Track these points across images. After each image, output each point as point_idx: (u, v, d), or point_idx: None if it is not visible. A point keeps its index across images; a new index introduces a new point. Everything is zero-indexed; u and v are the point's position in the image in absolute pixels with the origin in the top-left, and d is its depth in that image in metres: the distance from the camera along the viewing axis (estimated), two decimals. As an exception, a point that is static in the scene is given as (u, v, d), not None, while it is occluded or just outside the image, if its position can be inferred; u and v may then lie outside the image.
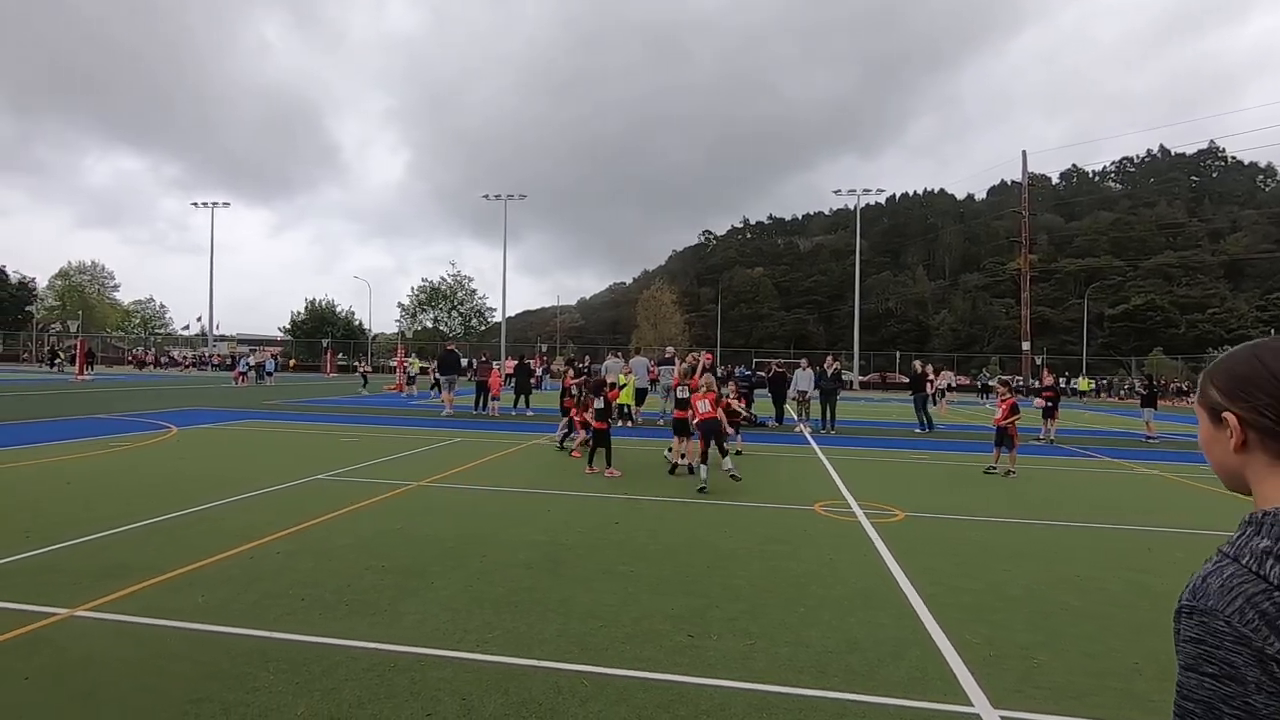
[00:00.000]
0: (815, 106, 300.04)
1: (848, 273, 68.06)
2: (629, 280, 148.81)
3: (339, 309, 72.72)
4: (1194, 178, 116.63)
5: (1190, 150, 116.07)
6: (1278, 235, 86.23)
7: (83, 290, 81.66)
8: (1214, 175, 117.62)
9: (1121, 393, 49.04)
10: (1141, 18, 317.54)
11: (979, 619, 4.48)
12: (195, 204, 65.03)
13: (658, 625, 4.21)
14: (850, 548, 6.21)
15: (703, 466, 8.73)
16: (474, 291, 74.58)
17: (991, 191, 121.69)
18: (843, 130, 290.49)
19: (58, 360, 41.72)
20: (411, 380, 30.49)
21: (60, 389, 24.87)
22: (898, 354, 65.69)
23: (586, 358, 43.26)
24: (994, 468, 10.87)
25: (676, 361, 15.68)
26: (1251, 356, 0.96)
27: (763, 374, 22.77)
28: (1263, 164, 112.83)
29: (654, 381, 17.92)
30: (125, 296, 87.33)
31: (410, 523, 6.59)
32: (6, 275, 71.15)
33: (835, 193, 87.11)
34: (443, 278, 75.01)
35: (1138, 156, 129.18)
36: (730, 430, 10.80)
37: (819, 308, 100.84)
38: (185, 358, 59.07)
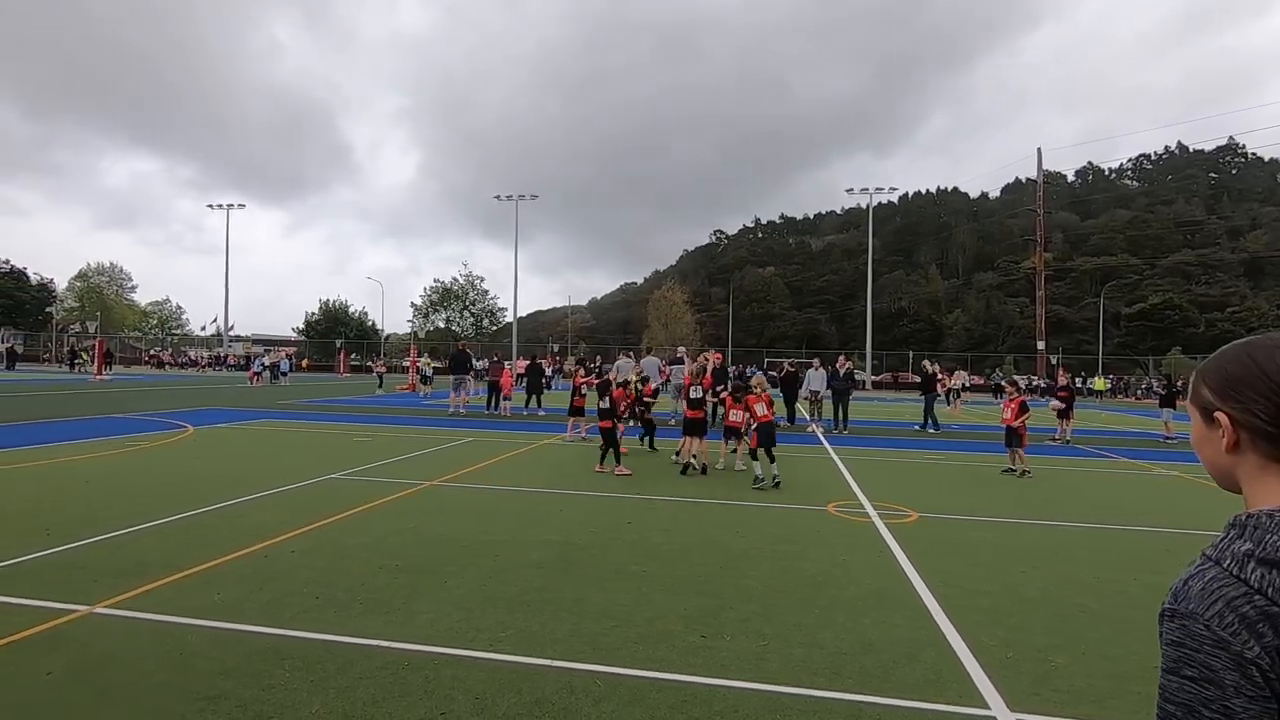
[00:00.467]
0: (827, 105, 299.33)
1: (860, 272, 67.59)
2: (640, 280, 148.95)
3: (352, 309, 73.27)
4: (1213, 174, 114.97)
5: (1209, 147, 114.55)
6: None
7: (101, 291, 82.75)
8: (1233, 172, 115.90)
9: (1138, 393, 48.45)
10: (1160, 12, 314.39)
11: (995, 621, 4.44)
12: (211, 206, 65.65)
13: (671, 625, 4.20)
14: (864, 548, 6.17)
15: (756, 465, 9.14)
16: (486, 292, 74.88)
17: (1006, 190, 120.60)
18: (855, 128, 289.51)
19: (78, 361, 42.30)
20: (426, 380, 30.66)
21: (80, 389, 25.22)
22: (910, 354, 65.22)
23: (598, 358, 43.33)
24: (1013, 468, 10.76)
25: (687, 361, 15.68)
26: (1243, 355, 0.94)
27: (774, 374, 22.69)
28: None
29: (666, 381, 17.90)
30: (142, 298, 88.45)
31: (423, 522, 6.62)
32: (27, 277, 72.23)
33: (848, 191, 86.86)
34: (455, 278, 75.37)
35: (1155, 153, 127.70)
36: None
37: (831, 307, 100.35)
38: (202, 358, 59.74)
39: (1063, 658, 3.91)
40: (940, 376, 21.67)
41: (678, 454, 10.48)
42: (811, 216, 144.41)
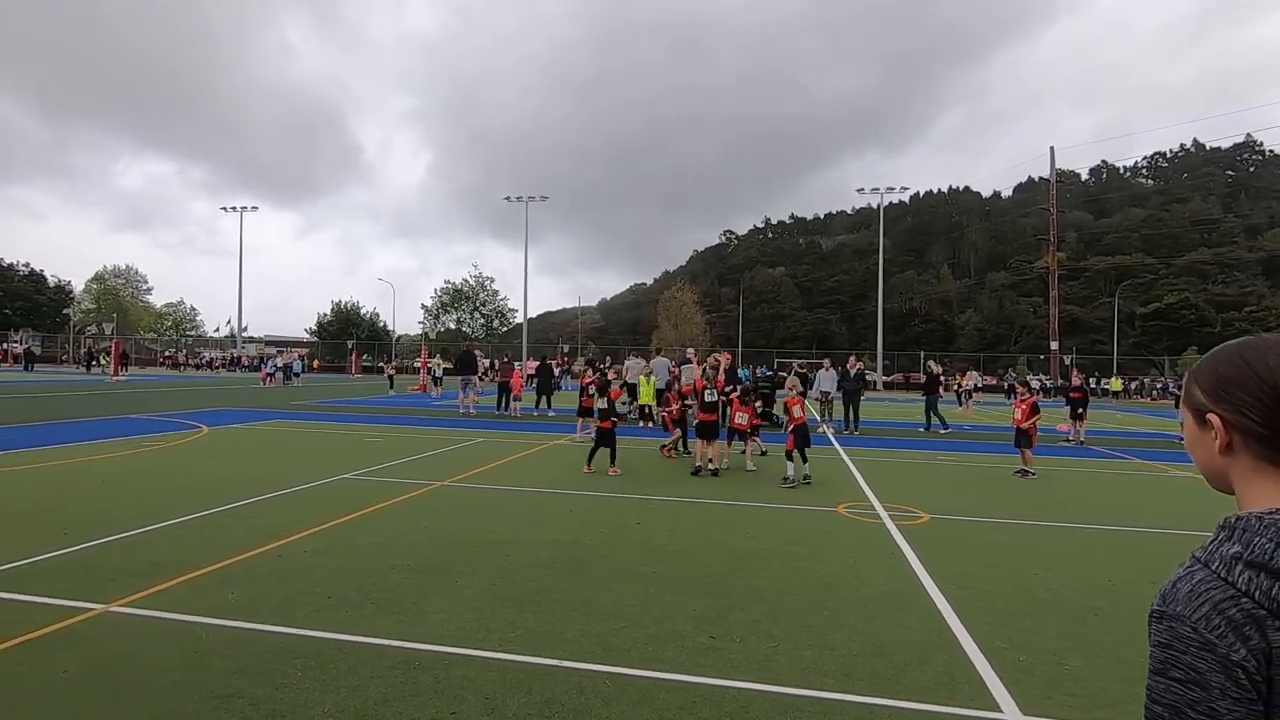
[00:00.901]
0: (838, 103, 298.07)
1: (871, 272, 67.29)
2: (650, 281, 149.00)
3: (364, 310, 73.74)
4: (1230, 172, 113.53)
5: (1226, 144, 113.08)
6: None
7: (117, 293, 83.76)
8: (1251, 169, 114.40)
9: (1153, 393, 47.93)
10: (1177, 6, 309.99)
11: (1008, 623, 4.40)
12: (225, 208, 66.22)
13: (680, 626, 4.20)
14: (875, 550, 6.14)
15: (789, 464, 9.24)
16: (496, 293, 75.10)
17: (1018, 189, 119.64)
18: (866, 127, 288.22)
19: (95, 363, 42.79)
20: (437, 381, 30.81)
21: (96, 390, 25.52)
22: (922, 354, 64.73)
23: (607, 358, 43.34)
24: (1025, 469, 10.67)
25: (695, 362, 15.64)
26: (1236, 356, 0.94)
27: (784, 374, 22.61)
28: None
29: (675, 381, 17.86)
30: (157, 299, 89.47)
31: (434, 522, 6.65)
32: (45, 279, 73.23)
33: (858, 191, 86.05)
34: (465, 279, 75.66)
35: (1170, 151, 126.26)
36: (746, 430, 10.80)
37: (841, 307, 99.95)
38: (215, 359, 60.32)
39: (1076, 660, 3.87)
40: (944, 377, 21.54)
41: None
42: (822, 216, 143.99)
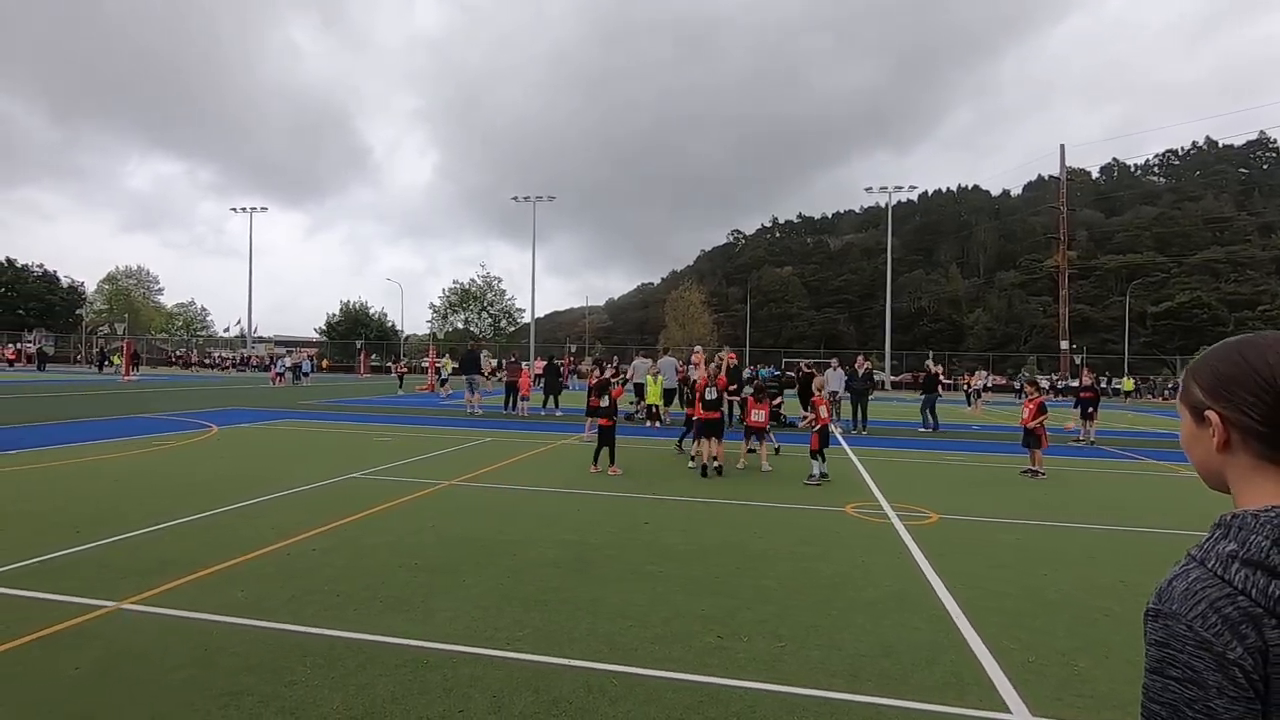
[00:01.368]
0: (846, 101, 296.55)
1: (879, 271, 67.06)
2: (657, 280, 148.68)
3: (372, 311, 74.07)
4: (1242, 170, 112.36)
5: (1239, 141, 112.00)
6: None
7: (129, 294, 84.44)
8: (1264, 167, 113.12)
9: (1165, 393, 47.52)
10: (1189, 4, 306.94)
11: (1017, 624, 4.38)
12: (234, 209, 66.53)
13: (687, 626, 4.19)
14: (883, 550, 6.12)
15: (813, 464, 9.44)
16: (503, 293, 75.30)
17: (1028, 187, 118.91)
18: (874, 125, 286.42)
19: (108, 363, 43.14)
20: (444, 382, 30.91)
21: (108, 390, 25.75)
22: (930, 354, 64.51)
23: (615, 358, 43.34)
24: (1033, 469, 10.61)
25: (698, 362, 15.61)
26: (1235, 353, 0.93)
27: (792, 374, 22.57)
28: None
29: (683, 381, 17.86)
30: (168, 299, 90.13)
31: (442, 521, 6.68)
32: (58, 280, 73.95)
33: (866, 190, 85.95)
34: (473, 279, 75.89)
35: (1182, 149, 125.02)
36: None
37: (850, 307, 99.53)
38: (225, 359, 60.74)
39: (1086, 661, 3.85)
40: (943, 377, 21.47)
41: (693, 456, 10.58)
42: (830, 215, 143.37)
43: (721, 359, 12.60)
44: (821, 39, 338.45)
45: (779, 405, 16.51)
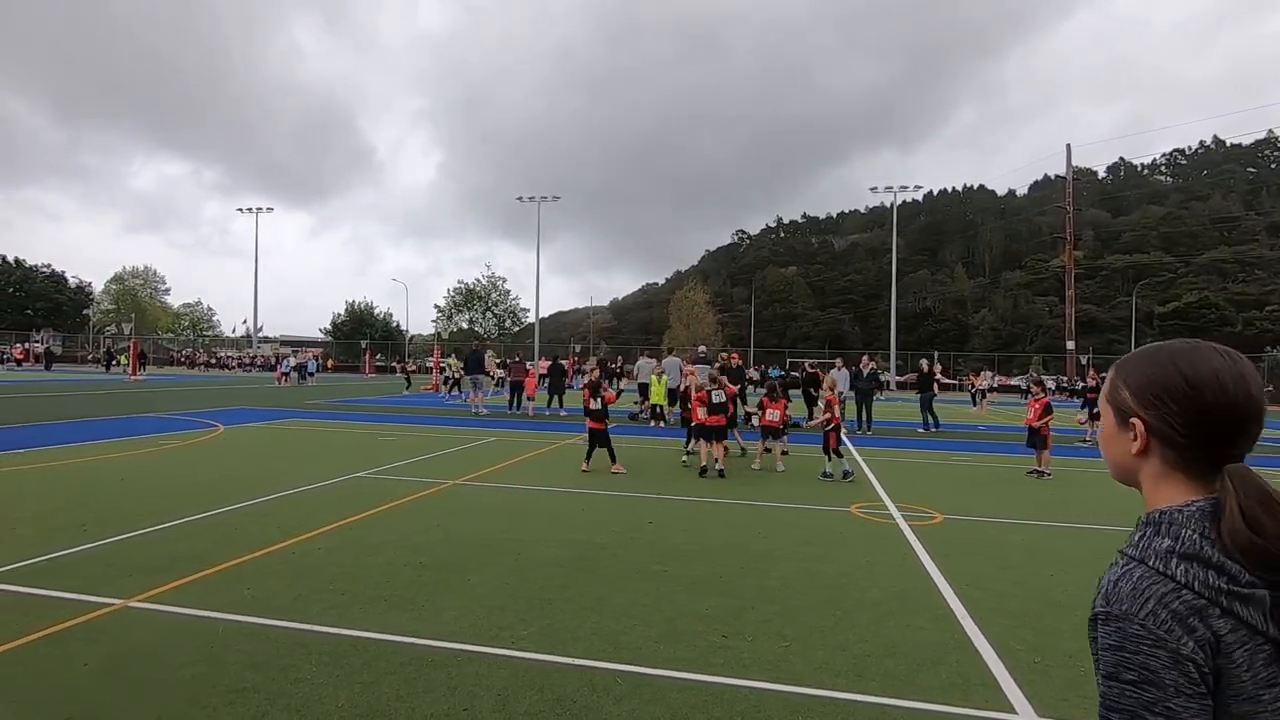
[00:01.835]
0: (851, 100, 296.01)
1: (884, 271, 66.95)
2: (661, 280, 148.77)
3: (377, 311, 74.25)
4: (1251, 169, 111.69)
5: (1247, 140, 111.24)
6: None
7: (136, 294, 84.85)
8: (1273, 166, 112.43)
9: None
10: (1197, 2, 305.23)
11: (1022, 624, 4.36)
12: (240, 210, 66.79)
13: (692, 625, 4.19)
14: (888, 550, 6.11)
15: (833, 462, 9.63)
16: (508, 293, 75.36)
17: (1033, 187, 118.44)
18: (879, 124, 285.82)
19: (115, 362, 43.33)
20: (447, 381, 30.95)
21: (115, 389, 25.88)
22: (935, 354, 64.31)
23: (619, 358, 43.33)
24: (1038, 470, 10.57)
25: (686, 360, 15.61)
26: (1169, 362, 0.94)
27: (796, 374, 22.56)
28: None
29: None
30: (174, 300, 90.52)
31: (447, 520, 6.69)
32: (65, 280, 74.36)
33: (872, 190, 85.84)
34: (477, 279, 75.99)
35: (1189, 148, 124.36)
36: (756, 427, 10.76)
37: (854, 307, 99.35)
38: (231, 359, 60.97)
39: (1092, 663, 3.83)
40: (939, 375, 21.43)
41: (688, 453, 10.77)
42: (835, 215, 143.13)
43: (725, 359, 12.57)
44: (827, 37, 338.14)
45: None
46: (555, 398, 19.98)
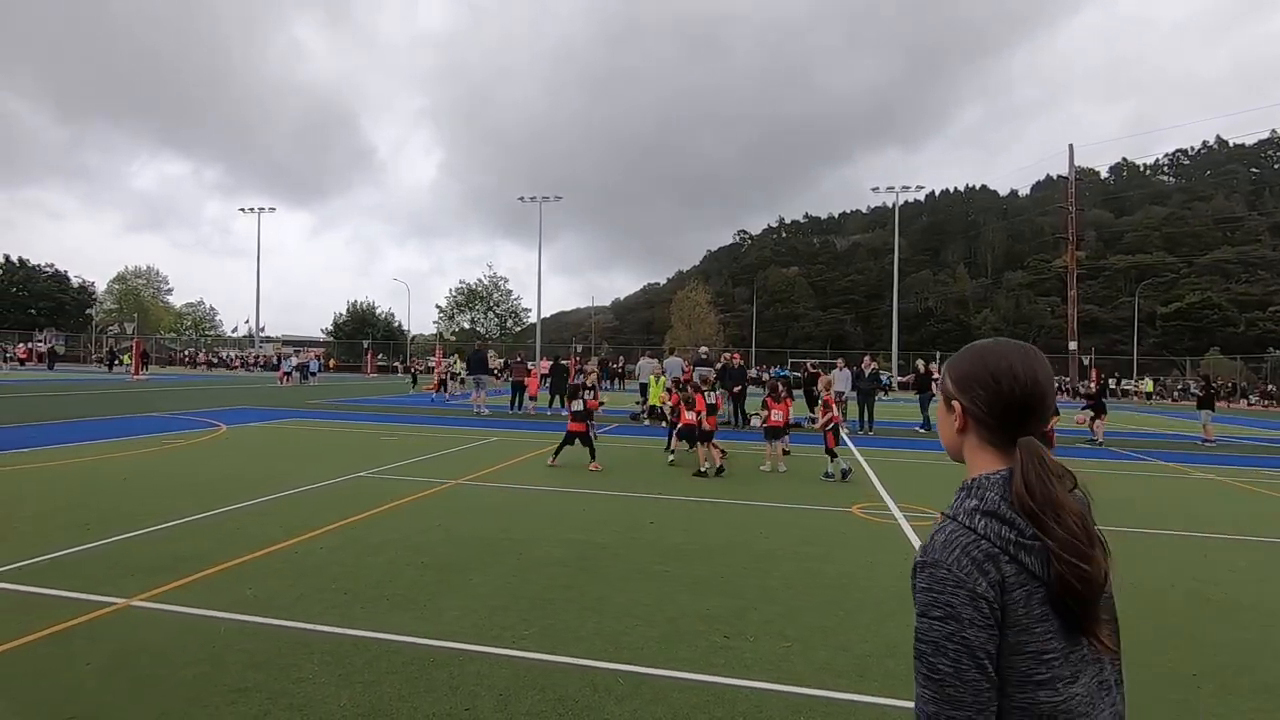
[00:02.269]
0: (853, 100, 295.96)
1: (886, 271, 66.91)
2: (663, 280, 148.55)
3: (379, 311, 74.30)
4: (1254, 169, 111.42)
5: (1251, 141, 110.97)
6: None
7: (138, 294, 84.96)
8: (1276, 166, 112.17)
9: (1175, 394, 47.21)
10: (1201, 2, 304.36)
11: (1024, 625, 4.35)
12: (243, 210, 66.82)
13: (693, 625, 4.19)
14: (889, 550, 6.10)
15: (835, 462, 9.67)
16: (510, 292, 75.38)
17: (1036, 187, 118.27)
18: (882, 123, 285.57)
19: (118, 362, 43.40)
20: (450, 380, 30.97)
21: (118, 389, 25.93)
22: (938, 354, 64.22)
23: (621, 358, 43.34)
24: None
25: (683, 362, 15.60)
26: (978, 357, 1.16)
27: (798, 375, 22.56)
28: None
29: (686, 381, 17.87)
30: (176, 299, 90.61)
31: (448, 520, 6.69)
32: (68, 279, 74.48)
33: (874, 190, 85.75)
34: (479, 279, 76.00)
35: (1192, 148, 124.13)
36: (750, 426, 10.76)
37: (856, 307, 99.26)
38: (233, 359, 61.06)
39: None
40: (936, 376, 21.46)
41: (673, 451, 11.08)
42: (836, 215, 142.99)
43: (731, 360, 12.57)
44: (829, 37, 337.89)
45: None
46: (557, 398, 20.01)
